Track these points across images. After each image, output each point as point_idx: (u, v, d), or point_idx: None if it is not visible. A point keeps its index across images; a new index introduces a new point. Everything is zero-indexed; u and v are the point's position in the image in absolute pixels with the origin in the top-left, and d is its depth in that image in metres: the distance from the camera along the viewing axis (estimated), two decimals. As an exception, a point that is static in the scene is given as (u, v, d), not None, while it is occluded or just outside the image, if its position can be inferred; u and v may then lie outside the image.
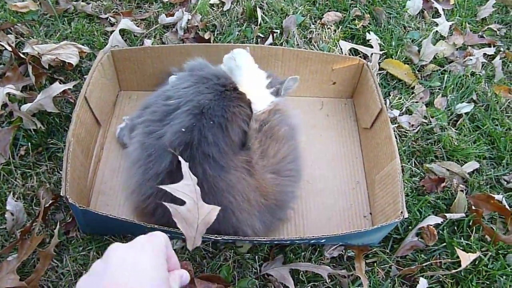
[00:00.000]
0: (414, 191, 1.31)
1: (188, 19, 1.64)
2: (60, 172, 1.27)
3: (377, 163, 1.25)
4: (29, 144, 1.30)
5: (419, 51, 1.66)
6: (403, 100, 1.52)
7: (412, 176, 1.34)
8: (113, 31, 1.58)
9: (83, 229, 1.16)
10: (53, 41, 1.57)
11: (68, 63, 1.46)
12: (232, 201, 1.06)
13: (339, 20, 1.75)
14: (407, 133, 1.44)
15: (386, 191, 1.16)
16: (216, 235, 1.02)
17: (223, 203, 1.01)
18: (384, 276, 1.15)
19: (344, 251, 1.18)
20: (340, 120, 1.45)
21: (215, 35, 1.64)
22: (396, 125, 1.44)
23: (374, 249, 1.18)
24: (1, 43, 1.50)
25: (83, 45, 1.53)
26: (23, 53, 1.48)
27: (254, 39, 1.65)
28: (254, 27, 1.68)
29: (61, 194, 1.03)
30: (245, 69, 1.20)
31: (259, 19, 1.69)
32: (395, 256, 1.18)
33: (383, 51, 1.65)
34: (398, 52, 1.65)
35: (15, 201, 1.20)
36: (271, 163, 1.14)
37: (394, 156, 1.15)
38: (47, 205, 1.17)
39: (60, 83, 1.39)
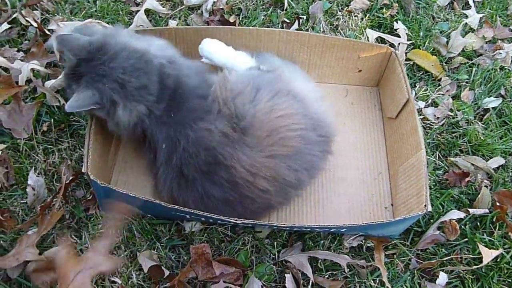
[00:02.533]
0: (437, 185, 1.29)
1: (214, 2, 1.62)
2: (82, 149, 1.27)
3: (401, 154, 1.22)
4: (52, 120, 1.31)
5: (447, 42, 1.62)
6: (429, 92, 1.49)
7: (436, 169, 1.32)
8: (138, 11, 1.57)
9: (104, 207, 1.16)
10: (78, 19, 1.57)
11: (93, 41, 1.45)
12: None
13: (367, 8, 1.72)
14: (432, 125, 1.41)
15: (409, 183, 1.14)
16: (236, 219, 1.01)
17: None
18: (403, 269, 1.14)
19: (363, 241, 1.16)
20: (364, 108, 1.43)
21: (240, 19, 1.62)
22: (421, 117, 1.42)
23: (394, 241, 1.17)
24: (27, 19, 1.50)
25: (108, 23, 1.53)
26: (49, 30, 1.48)
27: (280, 24, 1.63)
28: (280, 12, 1.66)
29: (83, 170, 1.03)
30: (216, 53, 1.29)
31: (285, 4, 1.67)
32: (415, 249, 1.16)
33: (411, 41, 1.61)
34: (426, 43, 1.61)
35: (37, 176, 1.21)
36: None
37: (419, 148, 1.13)
38: (68, 181, 1.17)
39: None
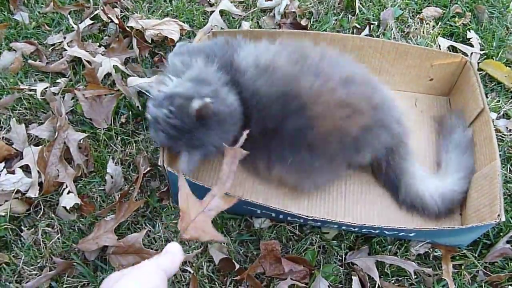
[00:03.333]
0: (508, 198, 1.26)
1: (287, 5, 1.65)
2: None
3: (474, 163, 1.21)
4: (130, 113, 1.37)
5: (521, 54, 1.59)
6: (501, 104, 1.46)
7: (507, 182, 1.30)
8: (212, 11, 1.62)
9: (175, 199, 1.21)
10: (155, 17, 1.63)
11: (170, 38, 1.51)
12: None
13: (439, 16, 1.70)
14: (503, 137, 1.39)
15: (482, 192, 1.13)
16: (307, 215, 1.03)
17: None
18: (470, 280, 1.13)
19: (430, 249, 1.16)
20: (434, 117, 1.42)
21: (311, 23, 1.65)
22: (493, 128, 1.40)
23: (462, 251, 1.16)
24: (109, 15, 1.57)
25: (183, 22, 1.58)
26: (128, 27, 1.55)
27: (350, 29, 1.64)
28: (351, 17, 1.67)
29: (159, 163, 1.08)
30: None
31: (356, 10, 1.68)
32: (483, 262, 1.15)
33: (483, 51, 1.59)
34: (499, 53, 1.58)
35: (115, 165, 1.27)
36: None
37: (494, 158, 1.12)
38: (144, 172, 1.23)
39: (162, 61, 1.47)
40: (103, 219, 1.17)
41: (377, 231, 1.13)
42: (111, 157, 1.29)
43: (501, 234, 1.18)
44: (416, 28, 1.65)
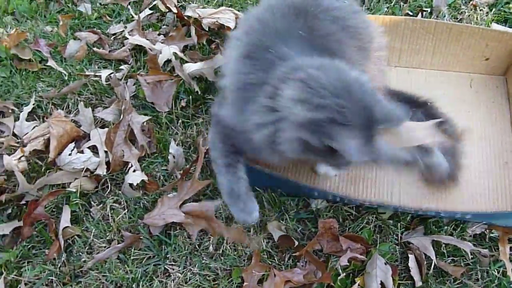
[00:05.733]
0: None
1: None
2: (216, 125, 1.38)
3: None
4: (190, 98, 1.42)
5: None
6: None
7: None
8: (266, 0, 1.66)
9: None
10: (211, 6, 1.69)
11: (227, 26, 1.56)
12: None
13: (492, 2, 1.69)
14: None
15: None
16: (363, 200, 1.06)
17: None
18: (527, 262, 1.13)
19: (487, 231, 1.17)
20: (490, 97, 1.41)
21: (363, 10, 1.66)
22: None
23: (520, 233, 1.16)
24: (167, 5, 1.63)
25: (238, 11, 1.63)
26: (186, 16, 1.61)
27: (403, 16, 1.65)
28: (403, 5, 1.68)
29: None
30: None
31: (409, -4, 1.69)
32: (541, 244, 1.15)
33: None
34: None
35: (176, 146, 1.33)
36: None
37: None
38: (205, 152, 1.28)
39: (219, 48, 1.51)
40: (166, 195, 1.23)
41: (433, 213, 1.15)
42: (172, 138, 1.35)
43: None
44: (469, 15, 1.65)
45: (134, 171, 1.28)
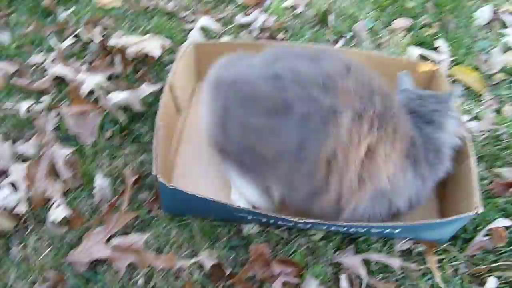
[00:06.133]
0: (483, 194, 1.32)
1: (263, 20, 1.72)
2: (143, 155, 1.35)
3: (450, 162, 1.27)
4: (115, 127, 1.39)
5: (487, 60, 1.68)
6: (471, 106, 1.54)
7: (481, 179, 1.36)
8: (192, 28, 1.67)
9: (167, 208, 1.23)
10: (136, 35, 1.67)
11: (151, 55, 1.55)
12: None
13: (408, 26, 1.79)
14: (475, 138, 1.46)
15: (460, 189, 1.18)
16: (298, 218, 1.07)
17: None
18: (452, 273, 1.17)
19: (413, 246, 1.20)
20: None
21: (288, 36, 1.71)
22: (465, 130, 1.47)
23: (443, 246, 1.21)
24: (90, 34, 1.60)
25: (166, 38, 1.63)
26: (110, 45, 1.58)
27: (325, 42, 1.70)
28: (325, 31, 1.74)
29: (153, 172, 1.10)
30: None
31: (330, 23, 1.75)
32: (464, 255, 1.20)
33: (452, 58, 1.67)
34: (467, 60, 1.67)
35: (102, 178, 1.28)
36: None
37: (468, 155, 1.17)
38: (132, 183, 1.25)
39: (144, 77, 1.50)
40: (92, 230, 1.19)
41: (364, 230, 1.17)
42: (98, 171, 1.30)
43: (479, 228, 1.24)
44: (387, 39, 1.73)
45: (57, 206, 1.22)
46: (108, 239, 1.17)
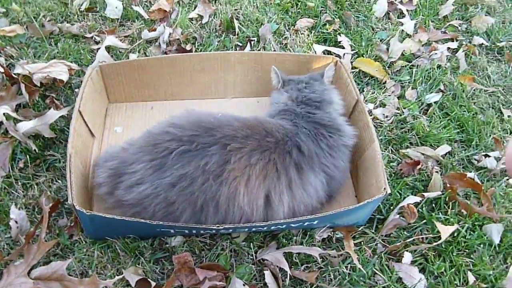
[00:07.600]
0: (393, 175, 1.40)
1: (170, 33, 1.73)
2: (59, 181, 1.33)
3: (358, 149, 1.34)
4: (27, 157, 1.36)
5: (387, 49, 1.78)
6: (376, 95, 1.62)
7: (390, 162, 1.44)
8: (99, 48, 1.66)
9: (88, 234, 1.22)
10: (42, 61, 1.64)
11: (59, 80, 1.53)
12: None
13: (311, 25, 1.86)
14: (382, 123, 1.54)
15: (369, 173, 1.25)
16: (217, 225, 1.10)
17: None
18: (371, 254, 1.23)
19: (332, 233, 1.26)
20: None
21: (196, 47, 1.74)
22: (372, 117, 1.55)
23: (361, 229, 1.27)
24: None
25: (71, 62, 1.61)
26: (15, 74, 1.55)
27: (233, 48, 1.74)
28: (232, 37, 1.78)
29: (68, 202, 1.08)
30: None
31: (236, 29, 1.79)
32: (380, 235, 1.26)
33: (355, 51, 1.76)
34: (368, 51, 1.76)
35: (18, 210, 1.26)
36: None
37: (373, 140, 1.24)
38: (49, 211, 1.23)
39: (53, 102, 1.47)
40: (12, 264, 1.16)
41: (284, 226, 1.21)
42: (13, 203, 1.27)
43: (392, 208, 1.31)
44: (292, 39, 1.80)
45: (-29, 245, 1.19)
46: (30, 271, 1.15)
